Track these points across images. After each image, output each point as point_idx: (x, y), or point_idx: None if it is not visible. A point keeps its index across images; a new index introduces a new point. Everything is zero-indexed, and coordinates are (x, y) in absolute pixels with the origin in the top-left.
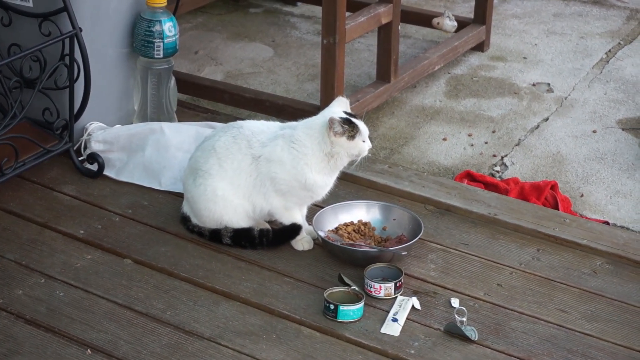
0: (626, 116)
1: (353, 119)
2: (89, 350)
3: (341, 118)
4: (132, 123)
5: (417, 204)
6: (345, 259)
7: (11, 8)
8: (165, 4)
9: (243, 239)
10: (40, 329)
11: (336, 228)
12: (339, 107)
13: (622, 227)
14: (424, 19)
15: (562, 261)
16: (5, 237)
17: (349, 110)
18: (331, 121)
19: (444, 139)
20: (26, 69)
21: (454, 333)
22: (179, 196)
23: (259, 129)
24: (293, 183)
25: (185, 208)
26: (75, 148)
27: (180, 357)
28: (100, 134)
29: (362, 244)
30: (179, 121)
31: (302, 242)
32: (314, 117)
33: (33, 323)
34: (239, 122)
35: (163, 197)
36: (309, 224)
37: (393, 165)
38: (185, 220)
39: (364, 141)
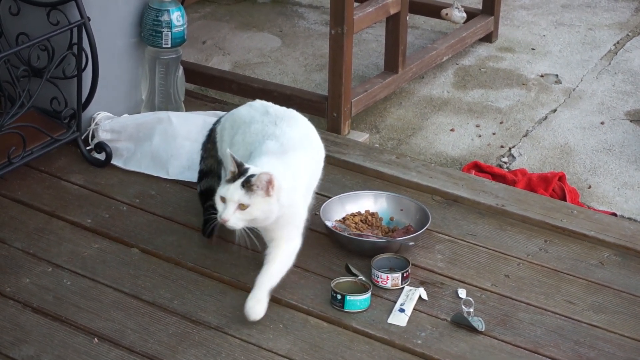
0: (634, 108)
1: None
2: (96, 339)
3: (238, 159)
4: (139, 112)
5: (424, 195)
6: (353, 249)
7: None
8: None
9: None
10: (47, 318)
11: (343, 218)
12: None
13: (629, 218)
14: (433, 10)
15: (570, 252)
16: (12, 226)
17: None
18: None
19: (452, 130)
20: (34, 58)
21: (461, 324)
22: (187, 185)
23: None
24: None
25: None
26: (82, 137)
27: (187, 346)
28: (107, 123)
29: (369, 234)
30: (186, 111)
31: None
32: None
33: (40, 311)
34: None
35: (171, 187)
36: (317, 214)
37: (400, 156)
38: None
39: (222, 198)
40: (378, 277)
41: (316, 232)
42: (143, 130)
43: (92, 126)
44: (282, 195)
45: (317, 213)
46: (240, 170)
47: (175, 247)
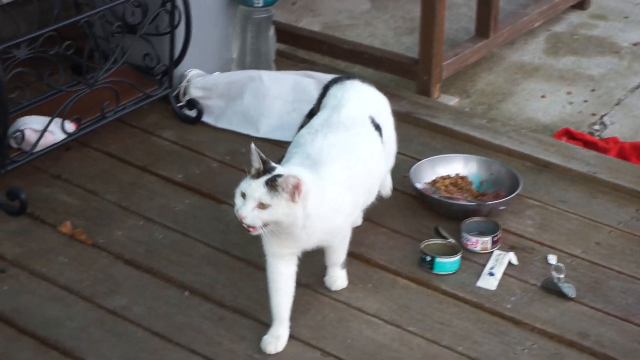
0: None
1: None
2: (186, 292)
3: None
4: (230, 71)
5: (515, 160)
6: (442, 212)
7: None
8: None
9: None
10: (139, 270)
11: (433, 181)
12: None
13: None
14: None
15: None
16: (105, 179)
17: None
18: None
19: (543, 97)
20: (128, 15)
21: (551, 289)
22: (277, 144)
23: None
24: None
25: None
26: (174, 94)
27: None
28: (199, 80)
29: (459, 197)
30: (276, 70)
31: None
32: None
33: (132, 264)
34: None
35: (260, 145)
36: (406, 176)
37: (491, 121)
38: None
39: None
40: (468, 241)
41: (406, 194)
42: (234, 88)
43: (184, 83)
44: (308, 204)
45: (407, 175)
46: (266, 168)
47: None
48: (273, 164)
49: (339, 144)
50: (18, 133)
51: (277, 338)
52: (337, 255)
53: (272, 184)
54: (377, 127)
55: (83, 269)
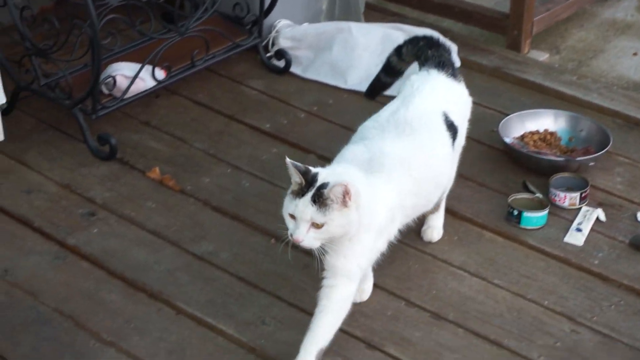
0: None
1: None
2: (273, 239)
3: (301, 165)
4: (319, 22)
5: (605, 117)
6: (530, 167)
7: None
8: None
9: None
10: (226, 217)
11: (521, 136)
12: None
13: None
14: None
15: None
16: (194, 127)
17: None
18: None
19: (635, 54)
20: None
21: None
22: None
23: None
24: None
25: None
26: (263, 44)
27: None
28: (288, 31)
29: (548, 152)
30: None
31: None
32: None
33: (219, 210)
34: None
35: (348, 96)
36: (494, 130)
37: (581, 77)
38: None
39: (291, 215)
40: (556, 196)
41: (493, 149)
42: (323, 40)
43: (273, 33)
44: (360, 202)
45: (495, 129)
46: (307, 179)
47: None
48: (313, 171)
49: (399, 151)
50: (110, 79)
51: (360, 291)
52: (334, 258)
53: (321, 200)
54: (451, 126)
55: (171, 214)
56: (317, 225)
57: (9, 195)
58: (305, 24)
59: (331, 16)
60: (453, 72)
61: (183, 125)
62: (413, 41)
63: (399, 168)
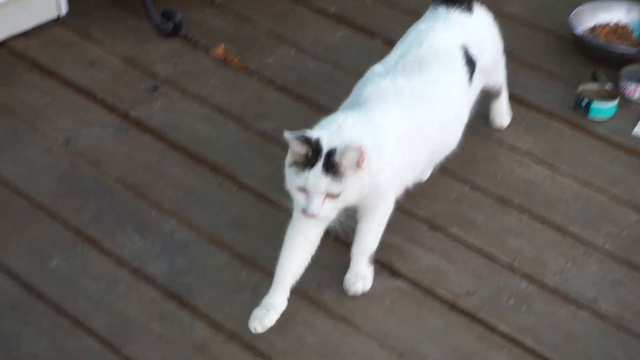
0: None
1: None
2: None
3: (301, 135)
4: None
5: None
6: (601, 59)
7: None
8: None
9: None
10: (289, 96)
11: (592, 27)
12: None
13: None
14: None
15: None
16: (258, 7)
17: None
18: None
19: None
20: None
21: None
22: None
23: None
24: None
25: None
26: None
27: None
28: None
29: (619, 44)
30: None
31: None
32: None
33: (283, 90)
34: None
35: None
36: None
37: None
38: None
39: (300, 189)
40: (626, 88)
41: (563, 38)
42: None
43: None
44: (371, 160)
45: (566, 20)
46: (314, 148)
47: None
48: (314, 137)
49: (406, 90)
50: None
51: (267, 309)
52: (366, 237)
53: (334, 168)
54: (470, 62)
55: (234, 92)
56: (333, 196)
57: (71, 67)
58: None
59: None
60: (468, 6)
61: (248, 5)
62: None
63: (408, 98)
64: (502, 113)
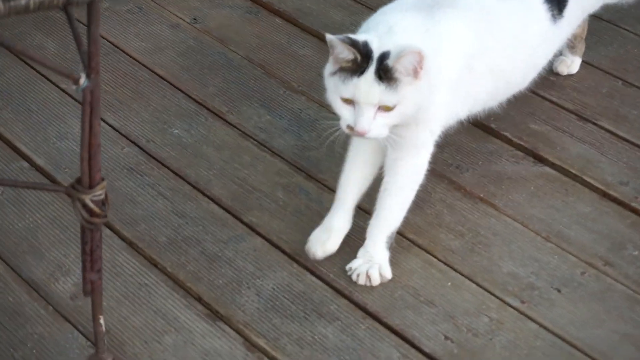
0: None
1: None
2: None
3: (346, 37)
4: None
5: None
6: None
7: None
8: None
9: None
10: None
11: None
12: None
13: None
14: None
15: None
16: None
17: None
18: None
19: None
20: None
21: None
22: None
23: None
24: None
25: None
26: None
27: None
28: None
29: None
30: None
31: None
32: None
33: None
34: None
35: None
36: None
37: None
38: None
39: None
40: None
41: None
42: None
43: None
44: (430, 71)
45: None
46: (363, 52)
47: None
48: (362, 39)
49: (479, 6)
50: None
51: (328, 232)
52: (390, 206)
53: (388, 75)
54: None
55: None
56: (387, 108)
57: None
58: None
59: None
60: None
61: None
62: None
63: (476, 8)
64: (574, 61)
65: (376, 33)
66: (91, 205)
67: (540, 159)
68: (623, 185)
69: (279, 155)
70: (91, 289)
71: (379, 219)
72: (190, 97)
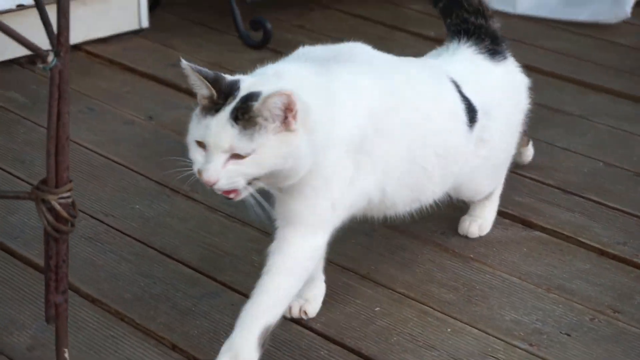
0: None
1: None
2: None
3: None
4: None
5: None
6: None
7: None
8: None
9: None
10: None
11: None
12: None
13: None
14: None
15: None
16: (352, 33)
17: None
18: None
19: None
20: None
21: None
22: (538, 22)
23: None
24: None
25: None
26: None
27: None
28: None
29: None
30: None
31: None
32: None
33: None
34: None
35: (517, 22)
36: None
37: None
38: None
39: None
40: None
41: None
42: None
43: None
44: (315, 126)
45: None
46: (225, 90)
47: None
48: (230, 78)
49: (398, 64)
50: None
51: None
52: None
53: (247, 117)
54: (469, 107)
55: None
56: (239, 157)
57: (153, 65)
58: None
59: None
60: (494, 49)
61: (340, 31)
62: None
63: (389, 67)
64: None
65: (260, 77)
66: (58, 207)
67: (529, 225)
68: (621, 245)
69: (250, 225)
70: (55, 313)
71: (256, 306)
72: (149, 178)
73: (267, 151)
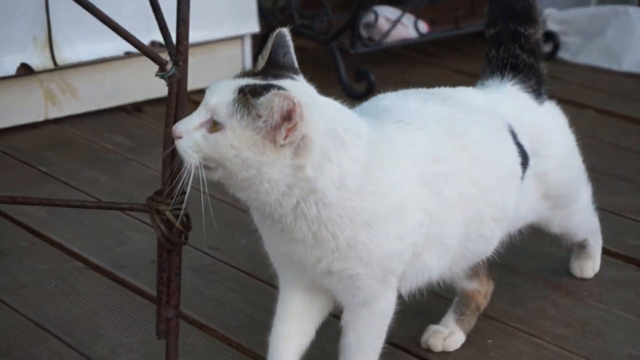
0: None
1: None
2: None
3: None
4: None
5: None
6: None
7: None
8: None
9: None
10: None
11: None
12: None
13: None
14: None
15: None
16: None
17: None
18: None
19: None
20: None
21: None
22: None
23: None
24: None
25: None
26: None
27: None
28: (558, 13)
29: None
30: None
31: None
32: None
33: None
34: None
35: (623, 80)
36: None
37: None
38: None
39: None
40: None
41: None
42: (595, 23)
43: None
44: (316, 161)
45: None
46: (267, 70)
47: None
48: (285, 72)
49: (449, 116)
50: (371, 15)
51: None
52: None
53: (248, 97)
54: (522, 152)
55: None
56: (213, 126)
57: None
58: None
59: (603, 2)
60: (538, 90)
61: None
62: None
63: (442, 128)
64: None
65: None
66: (172, 218)
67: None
68: None
69: None
70: (166, 329)
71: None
72: None
73: (232, 139)
